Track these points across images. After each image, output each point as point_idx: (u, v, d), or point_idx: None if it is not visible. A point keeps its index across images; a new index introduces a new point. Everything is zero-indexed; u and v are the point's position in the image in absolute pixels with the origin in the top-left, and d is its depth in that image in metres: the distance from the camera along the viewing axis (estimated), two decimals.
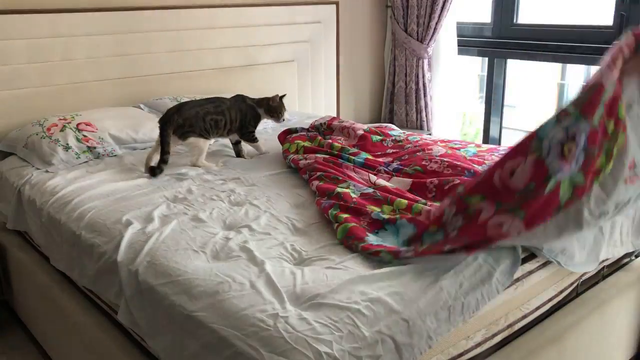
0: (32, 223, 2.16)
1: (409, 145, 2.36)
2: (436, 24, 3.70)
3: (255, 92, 3.30)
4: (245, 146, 2.54)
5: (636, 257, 2.17)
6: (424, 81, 3.85)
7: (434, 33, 3.74)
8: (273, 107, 2.47)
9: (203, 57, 3.16)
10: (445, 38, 3.81)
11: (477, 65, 4.21)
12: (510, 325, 1.64)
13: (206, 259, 1.53)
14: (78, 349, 1.94)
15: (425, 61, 3.82)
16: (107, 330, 1.75)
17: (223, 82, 3.23)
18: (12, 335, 2.50)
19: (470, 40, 3.89)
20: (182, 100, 2.86)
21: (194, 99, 2.46)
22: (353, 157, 2.19)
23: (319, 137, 2.46)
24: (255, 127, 2.49)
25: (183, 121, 2.28)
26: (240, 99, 2.50)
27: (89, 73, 2.79)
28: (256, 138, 2.50)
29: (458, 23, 3.81)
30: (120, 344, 1.68)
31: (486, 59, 3.91)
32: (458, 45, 3.83)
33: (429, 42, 3.77)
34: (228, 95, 2.52)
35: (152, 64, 2.98)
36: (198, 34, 3.11)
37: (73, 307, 1.93)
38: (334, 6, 3.70)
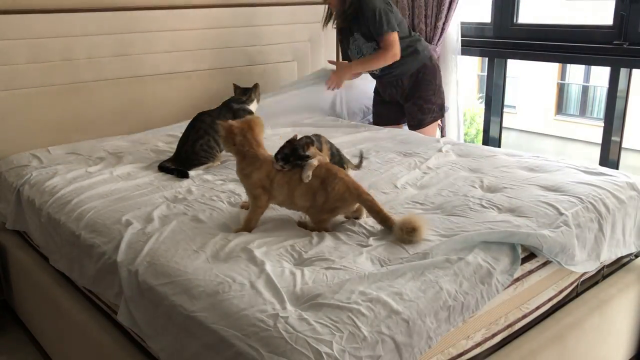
0: (32, 223, 2.16)
1: None
2: (443, 24, 3.69)
3: None
4: None
5: (636, 257, 2.18)
6: None
7: (441, 33, 3.74)
8: (259, 94, 2.57)
9: (203, 57, 3.15)
10: (450, 38, 3.80)
11: (475, 66, 4.21)
12: (510, 325, 1.64)
13: (206, 259, 1.53)
14: (78, 349, 1.94)
15: None
16: (107, 330, 1.75)
17: (223, 82, 3.23)
18: (12, 335, 2.50)
19: (471, 40, 3.89)
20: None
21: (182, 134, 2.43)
22: None
23: None
24: None
25: (182, 163, 2.30)
26: (225, 107, 2.48)
27: (89, 73, 2.79)
28: None
29: (461, 23, 3.81)
30: (120, 344, 1.68)
31: (486, 59, 3.91)
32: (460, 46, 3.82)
33: (437, 42, 3.77)
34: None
35: (152, 64, 2.98)
36: (198, 34, 3.11)
37: (73, 307, 1.93)
38: None
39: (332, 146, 2.06)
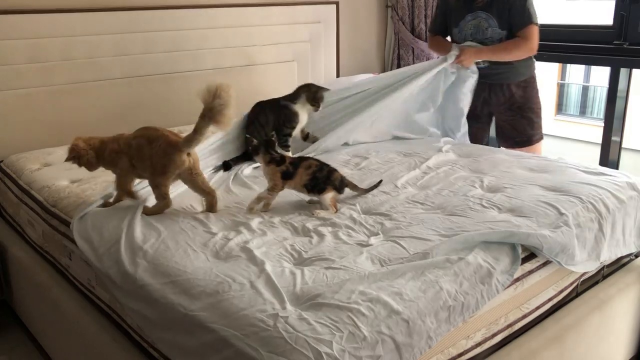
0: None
1: None
2: None
3: (255, 92, 3.30)
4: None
5: (636, 257, 2.18)
6: None
7: None
8: (320, 96, 2.36)
9: (203, 57, 3.15)
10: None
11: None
12: (510, 325, 1.64)
13: (206, 259, 1.53)
14: (78, 349, 1.94)
15: None
16: (107, 330, 1.74)
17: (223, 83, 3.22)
18: (12, 335, 2.50)
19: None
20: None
21: None
22: None
23: None
24: (291, 128, 2.36)
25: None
26: (274, 100, 2.39)
27: (89, 73, 2.78)
28: (289, 146, 2.37)
29: None
30: (120, 344, 1.68)
31: None
32: None
33: None
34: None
35: (152, 64, 2.98)
36: (198, 34, 3.11)
37: (73, 307, 1.93)
38: (334, 6, 3.70)
39: (319, 173, 1.86)
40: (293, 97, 2.41)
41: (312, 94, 2.38)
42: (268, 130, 2.36)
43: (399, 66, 4.03)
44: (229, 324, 1.25)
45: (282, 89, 3.44)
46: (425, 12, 3.79)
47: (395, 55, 4.03)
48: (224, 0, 3.19)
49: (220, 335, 1.24)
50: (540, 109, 2.84)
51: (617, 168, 3.18)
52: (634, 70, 3.12)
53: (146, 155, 1.81)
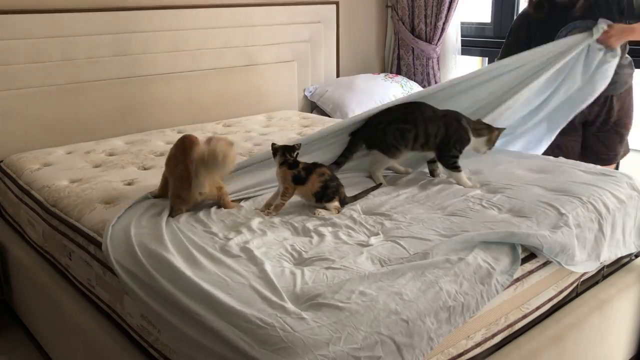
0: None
1: None
2: (443, 24, 3.71)
3: (255, 92, 3.31)
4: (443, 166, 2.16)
5: (636, 257, 2.18)
6: (435, 80, 3.86)
7: (441, 33, 3.75)
8: (493, 138, 2.12)
9: (203, 57, 3.16)
10: (450, 38, 3.82)
11: (475, 66, 4.21)
12: (510, 325, 1.64)
13: (206, 259, 1.53)
14: (78, 349, 1.94)
15: (435, 61, 3.83)
16: (107, 330, 1.74)
17: (223, 82, 3.23)
18: (12, 335, 2.50)
19: (471, 41, 3.90)
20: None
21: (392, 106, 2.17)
22: None
23: None
24: (459, 151, 2.08)
25: (369, 133, 2.13)
26: (453, 115, 2.11)
27: (89, 73, 2.79)
28: (458, 167, 2.07)
29: (461, 23, 3.83)
30: (120, 344, 1.67)
31: (486, 58, 3.91)
32: (460, 46, 3.84)
33: (437, 42, 3.77)
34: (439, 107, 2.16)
35: (152, 64, 2.98)
36: (198, 34, 3.11)
37: (73, 307, 1.93)
38: (334, 6, 3.70)
39: (331, 182, 1.86)
40: (476, 127, 2.11)
41: (492, 137, 2.12)
42: (432, 143, 2.08)
43: (399, 66, 4.05)
44: (228, 322, 1.25)
45: (282, 89, 3.47)
46: (425, 12, 3.80)
47: (395, 56, 4.04)
48: (224, 0, 3.19)
49: (215, 330, 1.24)
50: (631, 123, 2.55)
51: (617, 168, 3.18)
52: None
53: (169, 167, 1.87)
